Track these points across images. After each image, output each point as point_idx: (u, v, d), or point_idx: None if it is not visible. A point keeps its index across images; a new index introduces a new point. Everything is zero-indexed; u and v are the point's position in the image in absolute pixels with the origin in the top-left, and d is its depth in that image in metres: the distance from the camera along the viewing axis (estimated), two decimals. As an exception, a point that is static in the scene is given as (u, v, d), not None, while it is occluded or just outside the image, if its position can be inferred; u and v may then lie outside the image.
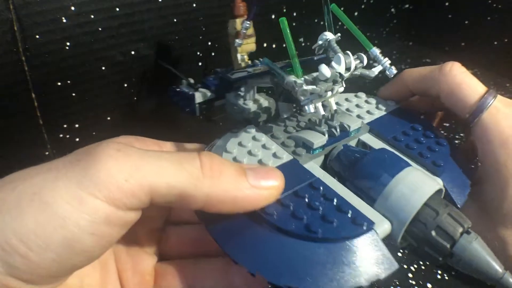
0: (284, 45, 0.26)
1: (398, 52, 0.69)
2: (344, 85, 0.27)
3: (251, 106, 0.35)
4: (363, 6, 0.62)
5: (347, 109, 0.33)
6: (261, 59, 0.35)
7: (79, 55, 0.40)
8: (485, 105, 0.28)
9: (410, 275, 0.31)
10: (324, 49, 0.27)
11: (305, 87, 0.24)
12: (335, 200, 0.22)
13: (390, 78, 0.27)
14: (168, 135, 0.30)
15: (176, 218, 0.30)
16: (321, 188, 0.23)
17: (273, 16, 0.52)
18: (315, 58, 0.28)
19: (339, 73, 0.25)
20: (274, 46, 0.54)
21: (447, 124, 0.49)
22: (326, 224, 0.21)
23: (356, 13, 0.62)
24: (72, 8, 0.38)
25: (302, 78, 0.25)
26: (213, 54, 0.49)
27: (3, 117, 0.38)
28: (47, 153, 0.43)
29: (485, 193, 0.28)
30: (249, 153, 0.26)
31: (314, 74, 0.25)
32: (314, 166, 0.26)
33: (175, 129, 0.49)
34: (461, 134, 0.47)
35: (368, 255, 0.20)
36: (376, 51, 0.27)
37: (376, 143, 0.29)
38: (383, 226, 0.22)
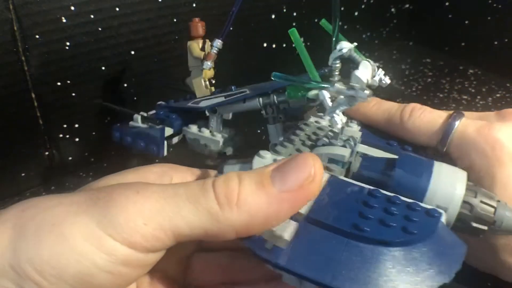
0: (284, 45, 0.26)
1: (398, 52, 0.69)
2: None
3: (219, 138, 0.33)
4: (363, 6, 0.62)
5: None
6: (233, 87, 0.33)
7: (79, 55, 0.40)
8: (451, 128, 0.28)
9: (410, 275, 0.31)
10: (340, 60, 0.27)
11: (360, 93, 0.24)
12: (400, 202, 0.23)
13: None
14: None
15: (208, 244, 0.27)
16: (380, 195, 0.23)
17: (273, 16, 0.52)
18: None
19: (368, 79, 0.25)
20: (274, 46, 0.54)
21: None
22: (412, 223, 0.21)
23: (356, 13, 0.62)
24: (72, 8, 0.38)
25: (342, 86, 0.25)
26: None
27: (3, 117, 0.38)
28: (47, 153, 0.43)
29: None
30: None
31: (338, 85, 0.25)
32: (350, 179, 0.25)
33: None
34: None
35: (448, 242, 0.22)
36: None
37: (374, 152, 0.29)
38: (444, 215, 0.23)
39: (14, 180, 0.42)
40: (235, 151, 0.33)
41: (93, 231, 0.18)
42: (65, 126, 0.42)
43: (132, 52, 0.43)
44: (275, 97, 0.31)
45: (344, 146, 0.26)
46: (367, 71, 0.25)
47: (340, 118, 0.25)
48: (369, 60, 0.26)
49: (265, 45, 0.53)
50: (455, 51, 0.66)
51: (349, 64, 0.26)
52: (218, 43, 0.32)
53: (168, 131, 0.33)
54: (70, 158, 0.44)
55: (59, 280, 0.18)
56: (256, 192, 0.19)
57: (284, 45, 0.54)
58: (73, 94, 0.41)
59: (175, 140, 0.34)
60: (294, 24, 0.55)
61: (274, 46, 0.54)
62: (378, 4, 0.64)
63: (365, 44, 0.67)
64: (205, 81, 0.34)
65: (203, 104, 0.33)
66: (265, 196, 0.19)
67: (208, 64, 0.32)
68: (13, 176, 0.41)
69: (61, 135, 0.43)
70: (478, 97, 0.54)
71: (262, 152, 0.24)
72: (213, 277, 0.26)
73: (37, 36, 0.37)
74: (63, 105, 0.41)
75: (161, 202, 0.19)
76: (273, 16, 0.52)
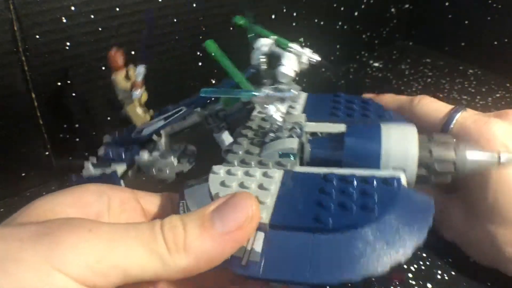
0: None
1: (398, 52, 0.69)
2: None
3: (172, 159, 0.33)
4: (363, 6, 0.62)
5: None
6: (170, 106, 0.33)
7: (79, 55, 0.40)
8: (452, 118, 0.31)
9: (410, 275, 0.31)
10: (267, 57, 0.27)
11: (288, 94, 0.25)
12: (354, 181, 0.23)
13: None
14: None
15: None
16: (334, 178, 0.23)
17: (273, 16, 0.52)
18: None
19: (295, 70, 0.26)
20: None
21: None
22: (371, 199, 0.22)
23: (356, 13, 0.62)
24: (72, 8, 0.38)
25: (266, 88, 0.25)
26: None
27: (3, 117, 0.38)
28: (47, 153, 0.43)
29: (470, 194, 0.30)
30: (242, 187, 0.24)
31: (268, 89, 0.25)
32: (304, 168, 0.25)
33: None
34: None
35: (413, 203, 0.23)
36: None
37: (322, 127, 0.29)
38: (403, 177, 0.24)
39: (14, 180, 0.42)
40: (192, 167, 0.33)
41: (41, 267, 0.18)
42: (65, 126, 0.42)
43: (132, 52, 0.43)
44: (212, 107, 0.32)
45: (290, 136, 0.26)
46: (292, 62, 0.25)
47: (278, 114, 0.25)
48: (291, 46, 0.26)
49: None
50: (455, 51, 0.66)
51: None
52: (141, 69, 0.32)
53: (122, 167, 0.34)
54: (70, 158, 0.44)
55: None
56: (200, 237, 0.20)
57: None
58: (73, 94, 0.41)
59: (131, 173, 0.34)
60: (294, 24, 0.55)
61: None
62: (378, 4, 0.64)
63: (365, 44, 0.67)
64: (141, 107, 0.33)
65: (146, 132, 0.33)
66: (209, 238, 0.20)
67: (137, 93, 0.32)
68: (13, 176, 0.41)
69: (61, 135, 0.43)
70: (478, 97, 0.54)
71: (215, 168, 0.25)
72: None
73: (37, 36, 0.37)
74: (63, 105, 0.41)
75: (113, 243, 0.19)
76: (273, 16, 0.52)
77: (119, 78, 0.32)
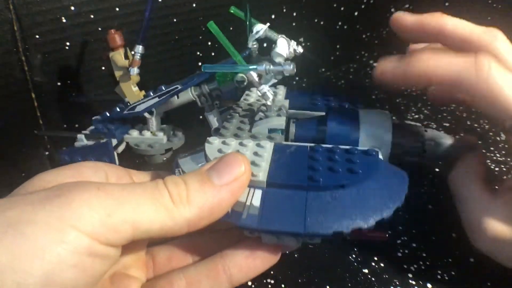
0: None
1: (398, 52, 0.68)
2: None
3: (162, 136, 0.35)
4: (363, 6, 0.62)
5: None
6: (163, 86, 0.34)
7: (79, 55, 0.40)
8: None
9: (410, 275, 0.31)
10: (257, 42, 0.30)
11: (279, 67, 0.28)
12: (339, 151, 0.26)
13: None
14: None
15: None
16: (321, 149, 0.27)
17: (273, 16, 0.52)
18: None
19: (286, 53, 0.29)
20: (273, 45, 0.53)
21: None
22: (355, 165, 0.25)
23: (356, 13, 0.62)
24: (72, 8, 0.38)
25: (264, 65, 0.28)
26: (213, 54, 0.49)
27: (3, 117, 0.38)
28: (47, 153, 0.43)
29: None
30: None
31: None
32: (291, 143, 0.28)
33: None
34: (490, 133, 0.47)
35: (393, 172, 0.26)
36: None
37: (303, 114, 0.32)
38: (379, 153, 0.27)
39: (14, 180, 0.42)
40: (181, 144, 0.35)
41: (54, 225, 0.18)
42: (65, 126, 0.42)
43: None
44: (206, 86, 0.33)
45: (278, 115, 0.29)
46: (285, 46, 0.29)
47: (270, 92, 0.28)
48: (283, 36, 0.30)
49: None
50: (455, 51, 0.66)
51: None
52: (139, 49, 0.33)
53: (112, 142, 0.35)
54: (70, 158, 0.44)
55: (23, 285, 0.17)
56: (200, 189, 0.22)
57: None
58: (73, 94, 0.41)
59: (120, 149, 0.36)
60: (294, 24, 0.55)
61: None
62: (378, 4, 0.64)
63: (365, 44, 0.67)
64: (134, 86, 0.35)
65: (139, 108, 0.34)
66: (208, 190, 0.22)
67: (135, 70, 0.34)
68: (13, 176, 0.41)
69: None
70: (478, 97, 0.54)
71: (210, 139, 0.27)
72: (181, 261, 0.27)
73: (37, 36, 0.37)
74: (63, 105, 0.41)
75: (122, 199, 0.20)
76: (273, 16, 0.52)
77: (118, 56, 0.34)
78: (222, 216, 0.22)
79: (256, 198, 0.24)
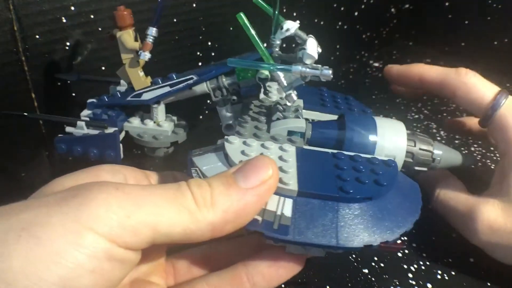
0: (284, 45, 0.26)
1: (398, 52, 0.69)
2: None
3: (168, 127, 0.32)
4: (363, 6, 0.62)
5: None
6: (174, 75, 0.32)
7: (79, 55, 0.40)
8: (499, 104, 0.30)
9: (410, 275, 0.31)
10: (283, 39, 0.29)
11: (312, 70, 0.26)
12: (362, 160, 0.26)
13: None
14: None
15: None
16: (343, 157, 0.26)
17: (273, 16, 0.52)
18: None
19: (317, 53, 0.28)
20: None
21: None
22: (380, 176, 0.25)
23: (356, 13, 0.62)
24: (72, 8, 0.38)
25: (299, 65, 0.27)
26: (213, 54, 0.49)
27: (3, 117, 0.38)
28: (47, 153, 0.43)
29: (508, 187, 0.29)
30: None
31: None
32: (311, 148, 0.28)
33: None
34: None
35: (408, 183, 0.27)
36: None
37: (315, 115, 0.32)
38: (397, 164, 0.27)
39: (14, 180, 0.42)
40: (185, 137, 0.33)
41: (70, 228, 0.17)
42: (65, 126, 0.42)
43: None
44: (223, 80, 0.31)
45: (296, 116, 0.29)
46: (315, 47, 0.27)
47: (295, 94, 0.28)
48: (311, 36, 0.28)
49: (265, 45, 0.53)
50: (455, 51, 0.66)
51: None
52: (153, 31, 0.30)
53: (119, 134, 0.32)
54: (70, 158, 0.44)
55: None
56: (225, 192, 0.21)
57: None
58: (73, 94, 0.41)
59: (121, 137, 0.33)
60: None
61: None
62: (378, 4, 0.64)
63: (365, 44, 0.67)
64: (141, 71, 0.32)
65: (146, 96, 0.32)
66: (234, 193, 0.21)
67: (147, 54, 0.31)
68: (13, 176, 0.41)
69: (61, 135, 0.42)
70: (478, 97, 0.54)
71: (230, 138, 0.26)
72: (201, 269, 0.26)
73: (37, 36, 0.37)
74: (63, 105, 0.41)
75: (141, 200, 0.19)
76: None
77: (127, 36, 0.31)
78: (248, 221, 0.21)
79: (287, 208, 0.23)
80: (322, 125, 0.30)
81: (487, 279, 0.30)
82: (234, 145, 0.26)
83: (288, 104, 0.29)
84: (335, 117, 0.32)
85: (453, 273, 0.31)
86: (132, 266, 0.20)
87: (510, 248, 0.28)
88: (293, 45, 0.29)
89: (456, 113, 0.52)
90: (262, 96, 0.33)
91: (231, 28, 0.48)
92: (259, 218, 0.22)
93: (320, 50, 0.28)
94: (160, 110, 0.32)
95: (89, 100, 0.34)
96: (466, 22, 0.63)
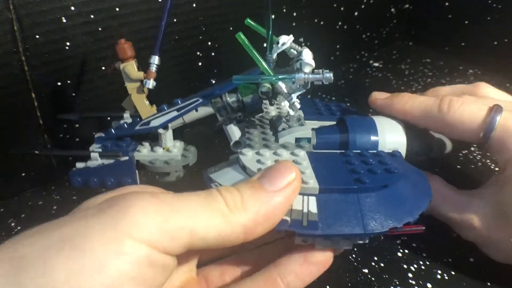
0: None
1: (398, 52, 0.69)
2: None
3: (177, 152, 0.33)
4: (363, 6, 0.62)
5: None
6: (179, 100, 0.33)
7: (79, 55, 0.40)
8: (493, 123, 0.28)
9: (410, 275, 0.31)
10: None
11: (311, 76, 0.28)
12: (368, 154, 0.28)
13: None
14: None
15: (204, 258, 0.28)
16: (351, 154, 0.28)
17: (273, 16, 0.52)
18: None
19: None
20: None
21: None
22: (389, 165, 0.27)
23: (356, 13, 0.62)
24: (72, 8, 0.38)
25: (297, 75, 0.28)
26: (213, 54, 0.49)
27: (3, 117, 0.38)
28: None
29: (502, 195, 0.28)
30: None
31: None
32: (321, 150, 0.29)
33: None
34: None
35: (414, 171, 0.29)
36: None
37: (314, 124, 0.33)
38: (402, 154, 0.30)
39: (14, 180, 0.42)
40: (195, 160, 0.34)
41: (110, 236, 0.18)
42: (65, 126, 0.42)
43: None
44: (227, 98, 0.32)
45: (301, 124, 0.31)
46: (310, 56, 0.28)
47: (298, 102, 0.29)
48: (305, 46, 0.29)
49: (264, 45, 0.53)
50: (455, 51, 0.66)
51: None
52: (155, 59, 0.31)
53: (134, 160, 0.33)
54: (70, 158, 0.44)
55: None
56: (253, 196, 0.22)
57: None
58: (73, 94, 0.41)
59: None
60: (294, 24, 0.55)
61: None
62: (378, 4, 0.64)
63: (365, 44, 0.67)
64: (146, 100, 0.33)
65: (155, 123, 0.32)
66: (263, 196, 0.22)
67: (151, 82, 0.31)
68: (13, 176, 0.41)
69: (61, 135, 0.43)
70: (478, 97, 0.54)
71: (244, 151, 0.28)
72: (234, 275, 0.27)
73: (37, 36, 0.37)
74: (63, 105, 0.41)
75: (176, 206, 0.20)
76: (273, 16, 0.52)
77: (130, 67, 0.31)
78: (277, 223, 0.23)
79: (312, 205, 0.24)
80: (325, 131, 0.32)
81: (487, 279, 0.30)
82: (248, 156, 0.28)
83: (291, 113, 0.30)
84: (333, 123, 0.33)
85: (453, 273, 0.31)
86: (171, 272, 0.20)
87: (503, 245, 0.28)
88: (289, 62, 0.30)
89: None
90: (264, 110, 0.35)
91: (231, 28, 0.48)
92: (288, 218, 0.23)
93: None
94: (168, 136, 0.33)
95: (97, 135, 0.34)
96: (466, 22, 0.63)
